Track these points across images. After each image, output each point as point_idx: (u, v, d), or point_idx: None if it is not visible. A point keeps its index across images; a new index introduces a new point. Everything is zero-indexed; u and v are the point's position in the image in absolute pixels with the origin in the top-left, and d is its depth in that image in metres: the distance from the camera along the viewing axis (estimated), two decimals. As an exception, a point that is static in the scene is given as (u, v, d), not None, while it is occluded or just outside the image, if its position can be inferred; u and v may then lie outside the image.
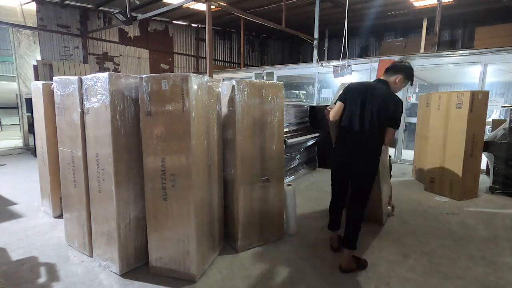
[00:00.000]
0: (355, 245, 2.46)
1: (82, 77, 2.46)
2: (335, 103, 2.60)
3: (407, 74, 2.53)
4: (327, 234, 3.15)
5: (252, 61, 14.18)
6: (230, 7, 6.88)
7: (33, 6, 8.29)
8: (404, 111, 6.66)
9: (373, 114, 2.38)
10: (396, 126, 2.44)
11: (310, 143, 5.55)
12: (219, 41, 12.96)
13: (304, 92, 10.97)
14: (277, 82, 2.89)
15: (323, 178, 5.35)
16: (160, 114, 2.22)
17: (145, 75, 2.22)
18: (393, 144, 2.37)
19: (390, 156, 3.62)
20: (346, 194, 2.66)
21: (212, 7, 6.04)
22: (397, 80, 2.50)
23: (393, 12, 9.84)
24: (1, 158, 6.92)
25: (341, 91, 2.63)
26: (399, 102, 2.39)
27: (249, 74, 9.48)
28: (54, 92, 2.75)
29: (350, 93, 2.51)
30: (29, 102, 7.15)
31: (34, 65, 7.57)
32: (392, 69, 2.55)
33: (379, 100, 2.39)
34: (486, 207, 4.00)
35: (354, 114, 2.45)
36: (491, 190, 4.53)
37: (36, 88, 3.50)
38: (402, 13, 9.83)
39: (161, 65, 11.19)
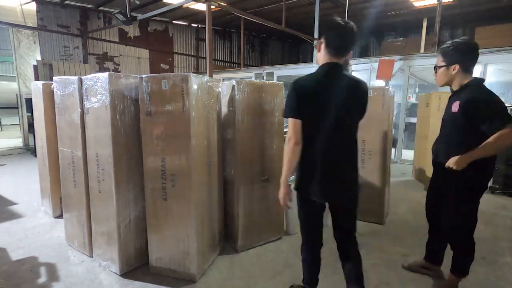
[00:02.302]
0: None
1: (82, 77, 2.46)
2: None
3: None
4: (327, 234, 3.15)
5: (252, 61, 14.17)
6: (230, 7, 6.88)
7: (33, 6, 8.29)
8: (404, 111, 6.67)
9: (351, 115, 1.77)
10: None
11: (310, 143, 5.54)
12: (219, 41, 12.96)
13: (304, 92, 10.94)
14: (277, 82, 2.89)
15: (323, 178, 5.34)
16: (160, 114, 2.22)
17: (145, 75, 2.22)
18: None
19: None
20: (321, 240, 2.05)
21: (212, 7, 6.03)
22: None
23: (393, 12, 9.84)
24: (1, 158, 6.92)
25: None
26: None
27: (249, 74, 9.47)
28: (54, 92, 2.75)
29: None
30: (29, 102, 7.15)
31: (34, 65, 7.56)
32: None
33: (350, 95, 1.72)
34: (486, 207, 3.99)
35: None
36: (491, 190, 4.53)
37: (36, 88, 3.50)
38: (402, 13, 9.84)
39: (161, 65, 11.19)
